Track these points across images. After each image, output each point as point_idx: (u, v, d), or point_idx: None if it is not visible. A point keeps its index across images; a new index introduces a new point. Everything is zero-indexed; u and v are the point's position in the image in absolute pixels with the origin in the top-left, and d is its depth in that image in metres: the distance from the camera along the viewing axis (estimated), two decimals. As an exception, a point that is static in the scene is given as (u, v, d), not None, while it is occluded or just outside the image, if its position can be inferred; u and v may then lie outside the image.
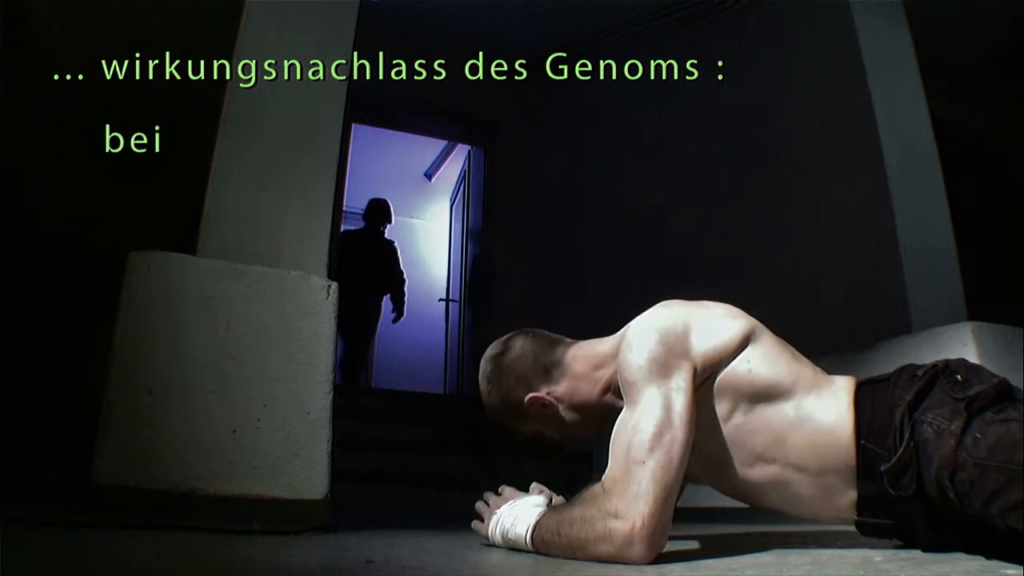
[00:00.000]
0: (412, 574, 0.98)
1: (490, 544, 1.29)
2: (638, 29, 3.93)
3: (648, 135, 4.06)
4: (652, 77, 3.90)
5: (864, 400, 1.12)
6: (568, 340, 1.36)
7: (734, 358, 1.16)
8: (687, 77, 3.69)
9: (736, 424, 1.16)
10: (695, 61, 3.63)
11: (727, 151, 3.55)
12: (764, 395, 1.15)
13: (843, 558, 1.10)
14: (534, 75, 4.20)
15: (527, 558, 1.15)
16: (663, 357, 1.11)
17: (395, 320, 5.52)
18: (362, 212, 5.56)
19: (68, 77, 2.75)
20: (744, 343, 1.17)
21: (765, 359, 1.17)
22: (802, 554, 1.16)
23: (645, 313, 1.22)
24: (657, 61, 3.74)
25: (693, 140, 3.77)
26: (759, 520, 1.87)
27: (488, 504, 1.35)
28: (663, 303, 1.24)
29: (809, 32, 3.22)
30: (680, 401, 1.08)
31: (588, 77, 4.17)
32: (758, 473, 1.17)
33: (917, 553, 1.12)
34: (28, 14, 2.61)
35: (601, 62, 4.07)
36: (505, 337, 1.39)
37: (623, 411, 1.12)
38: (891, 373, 1.16)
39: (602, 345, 1.31)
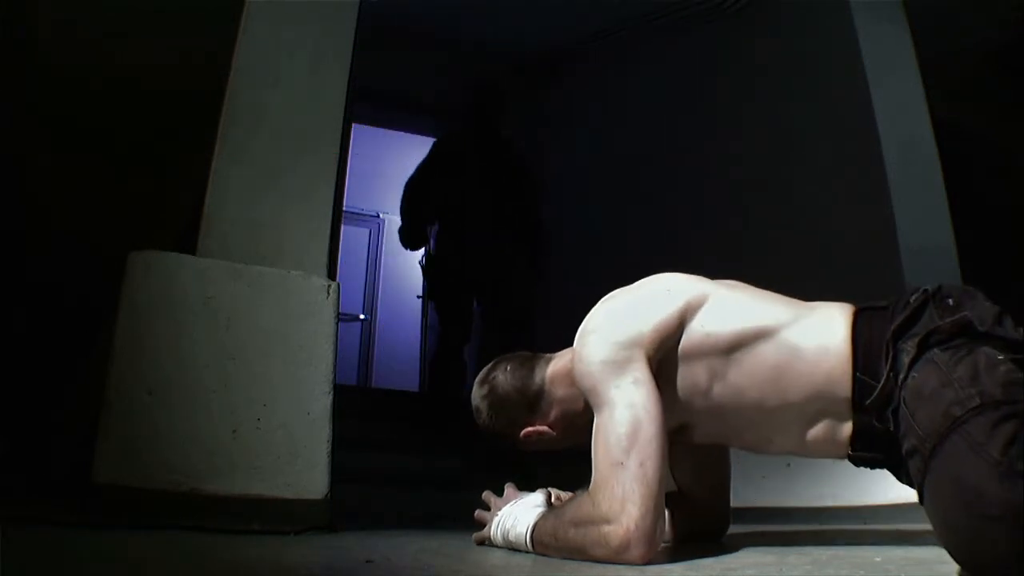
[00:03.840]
0: (412, 574, 0.98)
1: (492, 544, 1.29)
2: (638, 29, 3.93)
3: (647, 136, 4.06)
4: (652, 77, 3.90)
5: (862, 329, 1.09)
6: (544, 358, 1.36)
7: (685, 327, 1.15)
8: (687, 77, 3.70)
9: (724, 384, 1.14)
10: (695, 61, 3.63)
11: (726, 151, 3.55)
12: (736, 347, 1.13)
13: (843, 558, 1.11)
14: (534, 75, 4.20)
15: (527, 558, 1.15)
16: (613, 355, 1.11)
17: (536, 275, 3.47)
18: (470, 105, 3.54)
19: (68, 76, 2.75)
20: (688, 310, 1.15)
21: (719, 314, 1.15)
22: (802, 554, 1.16)
23: (588, 316, 1.22)
24: (657, 61, 3.74)
25: (692, 141, 3.76)
26: (759, 520, 1.87)
27: (489, 508, 1.35)
28: (603, 299, 1.24)
29: (809, 32, 3.22)
30: (642, 393, 1.07)
31: (587, 77, 4.18)
32: (762, 422, 1.15)
33: (918, 553, 1.12)
34: (29, 13, 2.62)
35: (600, 62, 4.07)
36: (485, 373, 1.38)
37: (595, 418, 1.11)
38: (892, 300, 1.11)
39: (568, 357, 1.30)
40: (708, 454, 1.39)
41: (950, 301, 1.03)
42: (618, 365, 1.10)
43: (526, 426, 1.32)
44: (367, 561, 1.07)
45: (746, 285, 1.25)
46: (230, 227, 1.77)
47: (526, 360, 1.36)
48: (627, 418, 1.05)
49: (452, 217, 3.42)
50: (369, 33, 2.15)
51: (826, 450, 1.14)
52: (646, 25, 3.86)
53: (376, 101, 4.35)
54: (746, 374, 1.13)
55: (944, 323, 0.98)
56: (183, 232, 1.89)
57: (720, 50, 3.57)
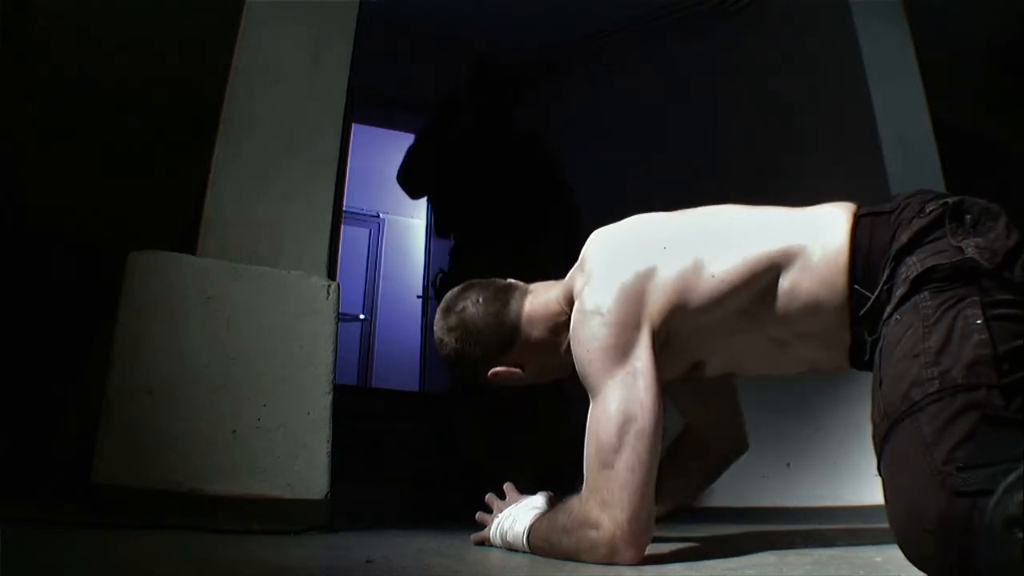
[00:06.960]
0: (412, 574, 0.98)
1: (491, 545, 1.29)
2: (638, 29, 3.93)
3: (646, 137, 4.06)
4: (651, 77, 3.90)
5: (862, 236, 1.03)
6: (519, 289, 1.27)
7: (693, 280, 1.08)
8: (686, 77, 3.69)
9: (739, 318, 1.09)
10: (694, 61, 3.63)
11: (726, 152, 3.56)
12: (748, 282, 1.07)
13: (843, 558, 1.11)
14: (533, 75, 4.19)
15: (525, 558, 1.15)
16: (615, 337, 1.04)
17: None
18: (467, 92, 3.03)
19: (67, 76, 2.75)
20: (697, 270, 1.08)
21: (722, 253, 1.08)
22: (802, 554, 1.16)
23: (598, 267, 1.12)
24: (656, 61, 3.73)
25: (692, 141, 3.77)
26: (759, 520, 1.87)
27: (491, 510, 1.35)
28: (598, 245, 1.16)
29: (809, 32, 3.22)
30: (639, 385, 1.02)
31: (587, 78, 4.17)
32: (773, 345, 1.11)
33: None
34: (29, 13, 2.62)
35: (600, 62, 4.07)
36: (453, 299, 1.28)
37: (590, 406, 1.06)
38: (896, 202, 1.03)
39: (556, 302, 1.22)
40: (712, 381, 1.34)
41: (968, 219, 0.94)
42: (619, 350, 1.03)
43: (494, 364, 1.24)
44: (367, 561, 1.07)
45: (732, 208, 1.17)
46: (230, 227, 1.77)
47: (499, 291, 1.26)
48: (620, 413, 1.01)
49: (469, 229, 2.93)
50: (369, 33, 2.15)
51: (830, 361, 1.11)
52: (646, 25, 3.86)
53: (376, 101, 4.35)
54: (759, 302, 1.08)
55: (946, 264, 0.90)
56: (183, 232, 1.89)
57: (720, 50, 3.57)
